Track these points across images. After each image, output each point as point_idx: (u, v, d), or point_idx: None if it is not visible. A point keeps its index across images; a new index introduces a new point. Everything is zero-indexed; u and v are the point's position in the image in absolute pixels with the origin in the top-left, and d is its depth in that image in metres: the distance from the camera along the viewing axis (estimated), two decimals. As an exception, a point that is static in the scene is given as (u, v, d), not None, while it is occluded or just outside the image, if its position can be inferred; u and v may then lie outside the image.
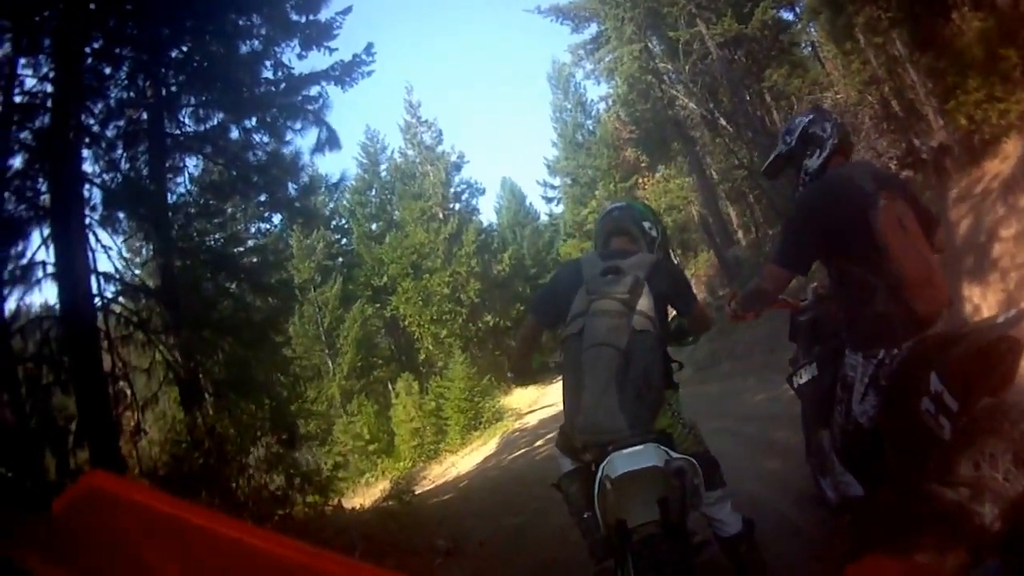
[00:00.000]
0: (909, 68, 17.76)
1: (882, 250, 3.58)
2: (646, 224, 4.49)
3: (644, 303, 3.78)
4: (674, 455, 3.43)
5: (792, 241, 4.11)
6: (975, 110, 11.37)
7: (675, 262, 5.61)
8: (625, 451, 3.39)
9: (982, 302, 8.74)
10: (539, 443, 20.74)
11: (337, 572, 1.43)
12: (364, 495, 23.71)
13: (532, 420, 30.81)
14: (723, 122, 28.31)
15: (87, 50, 10.67)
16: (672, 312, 4.42)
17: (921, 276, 3.53)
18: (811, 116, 4.29)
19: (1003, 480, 3.23)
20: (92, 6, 10.55)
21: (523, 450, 21.17)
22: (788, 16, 28.96)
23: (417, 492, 17.90)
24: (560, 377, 4.02)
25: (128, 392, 10.83)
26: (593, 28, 32.90)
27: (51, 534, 1.50)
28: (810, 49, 29.86)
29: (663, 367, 3.96)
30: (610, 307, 3.76)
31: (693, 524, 3.84)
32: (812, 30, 27.32)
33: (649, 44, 30.07)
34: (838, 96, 22.78)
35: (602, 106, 44.95)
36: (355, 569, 1.47)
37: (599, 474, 3.43)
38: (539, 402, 36.45)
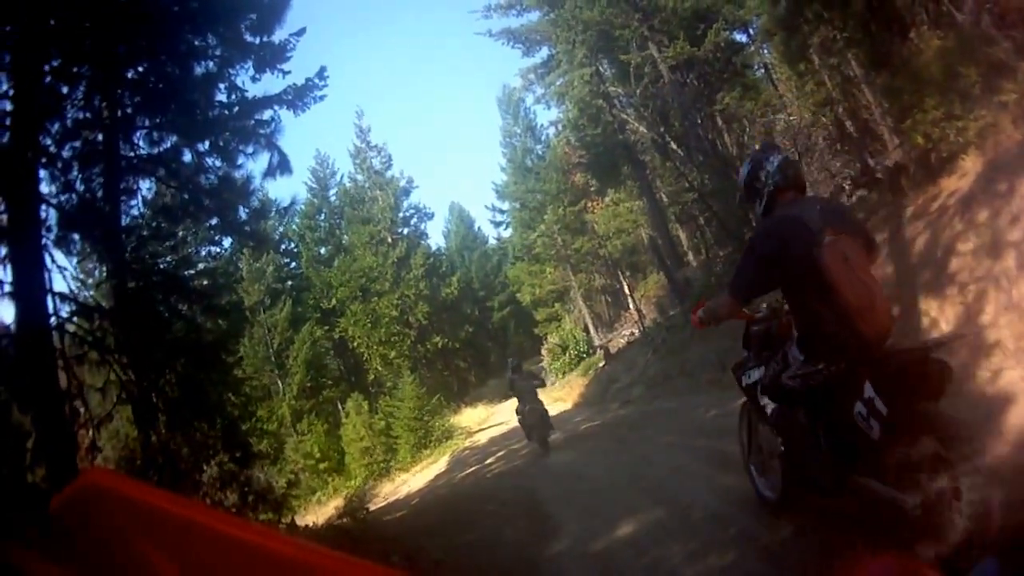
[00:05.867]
0: (864, 88, 17.97)
1: (828, 282, 4.19)
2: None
3: (533, 385, 18.73)
4: (543, 409, 17.74)
5: (742, 276, 4.83)
6: (932, 128, 11.46)
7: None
8: (540, 407, 17.82)
9: (939, 315, 8.91)
10: (489, 460, 20.81)
11: (337, 569, 1.50)
12: (316, 513, 23.65)
13: (482, 438, 30.73)
14: (674, 145, 28.31)
15: (45, 68, 10.63)
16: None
17: (864, 304, 4.17)
18: (749, 167, 5.02)
19: (926, 476, 3.86)
20: (52, 22, 10.52)
21: (473, 468, 21.12)
22: (741, 38, 29.17)
23: (371, 509, 17.87)
24: (508, 400, 23.77)
25: (82, 410, 10.74)
26: (544, 52, 32.99)
27: (49, 532, 1.50)
28: (763, 71, 30.00)
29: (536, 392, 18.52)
30: (527, 385, 18.56)
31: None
32: (765, 52, 27.50)
33: (600, 68, 30.15)
34: (791, 118, 22.94)
35: (552, 131, 45.13)
36: (355, 567, 1.51)
37: (526, 414, 17.95)
38: (488, 420, 36.48)
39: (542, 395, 18.87)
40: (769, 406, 5.38)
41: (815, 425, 4.75)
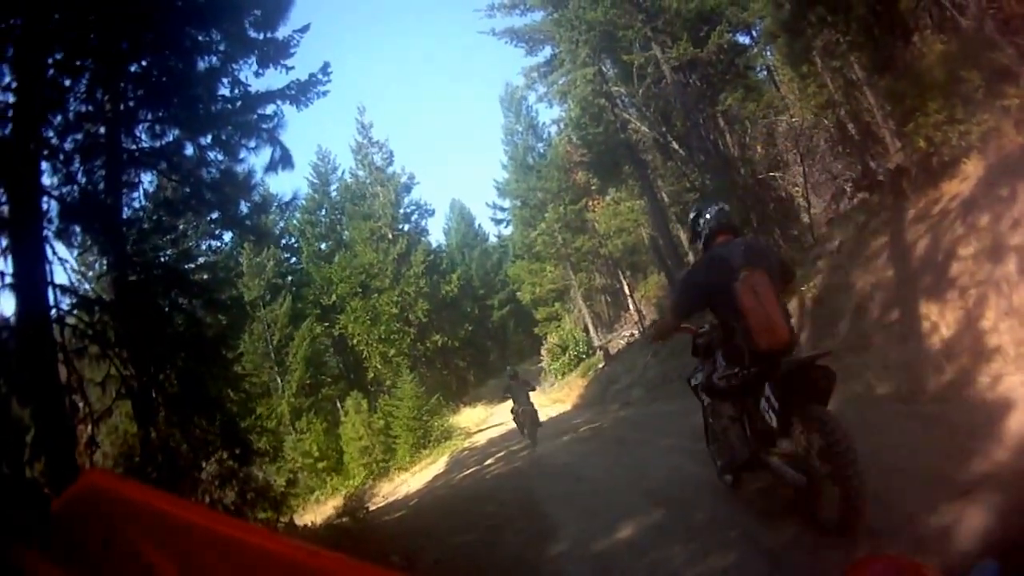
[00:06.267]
0: (867, 91, 17.96)
1: (740, 306, 5.53)
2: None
3: (526, 390, 20.71)
4: (533, 409, 20.12)
5: (679, 300, 6.60)
6: (935, 132, 11.42)
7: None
8: (531, 407, 20.06)
9: (940, 320, 8.84)
10: (489, 462, 20.77)
11: (336, 570, 1.51)
12: (315, 513, 23.57)
13: (481, 439, 30.67)
14: (675, 145, 28.31)
15: (49, 61, 10.60)
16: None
17: (765, 325, 5.45)
18: (694, 214, 6.62)
19: (803, 455, 5.19)
20: (55, 16, 10.49)
21: (472, 469, 21.04)
22: (744, 40, 29.19)
23: (370, 509, 17.81)
24: (504, 400, 25.20)
25: (82, 405, 10.69)
26: (547, 51, 32.94)
27: (50, 533, 1.52)
28: (765, 73, 29.97)
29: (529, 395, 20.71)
30: (521, 390, 20.63)
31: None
32: (768, 54, 27.48)
33: (603, 67, 30.06)
34: (793, 119, 22.91)
35: (554, 129, 45.21)
36: (355, 568, 1.52)
37: (519, 413, 20.41)
38: (488, 421, 36.38)
39: (536, 397, 22.81)
40: (706, 400, 6.95)
41: (738, 415, 6.11)
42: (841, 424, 4.94)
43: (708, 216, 6.34)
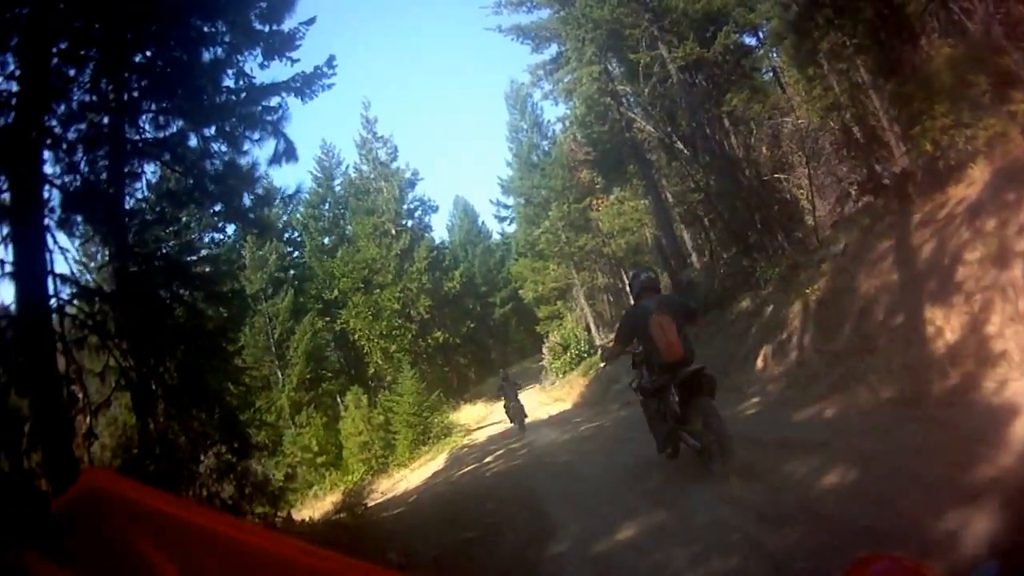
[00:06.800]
0: (873, 94, 17.92)
1: (651, 337, 8.32)
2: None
3: (515, 389, 26.82)
4: (520, 404, 26.34)
5: (618, 333, 9.38)
6: (941, 136, 11.42)
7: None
8: (519, 403, 26.22)
9: (945, 325, 8.78)
10: (488, 459, 20.69)
11: (336, 570, 1.50)
12: (313, 508, 23.42)
13: (481, 437, 30.73)
14: (680, 145, 28.24)
15: (53, 50, 10.56)
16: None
17: (666, 348, 8.22)
18: (632, 277, 9.79)
19: (696, 429, 8.01)
20: (61, 5, 10.46)
21: (472, 466, 20.99)
22: (751, 41, 29.12)
23: (369, 505, 17.75)
24: (500, 399, 29.27)
25: (80, 396, 10.65)
26: (554, 49, 32.77)
27: (51, 533, 1.49)
28: (771, 74, 29.95)
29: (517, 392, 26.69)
30: (511, 389, 26.74)
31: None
32: (774, 55, 27.45)
33: (609, 66, 30.00)
34: (799, 121, 22.86)
35: (559, 127, 44.98)
36: (354, 568, 1.51)
37: (510, 407, 26.39)
38: (488, 419, 36.31)
39: (535, 395, 29.13)
40: (640, 397, 9.54)
41: (660, 407, 8.80)
42: (716, 407, 7.96)
43: (640, 279, 9.35)
